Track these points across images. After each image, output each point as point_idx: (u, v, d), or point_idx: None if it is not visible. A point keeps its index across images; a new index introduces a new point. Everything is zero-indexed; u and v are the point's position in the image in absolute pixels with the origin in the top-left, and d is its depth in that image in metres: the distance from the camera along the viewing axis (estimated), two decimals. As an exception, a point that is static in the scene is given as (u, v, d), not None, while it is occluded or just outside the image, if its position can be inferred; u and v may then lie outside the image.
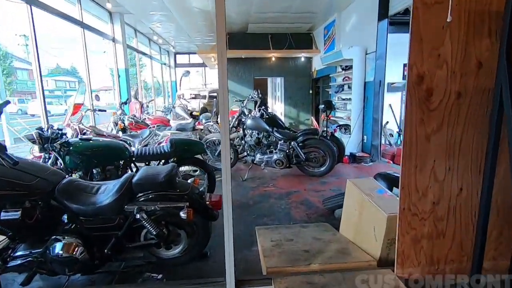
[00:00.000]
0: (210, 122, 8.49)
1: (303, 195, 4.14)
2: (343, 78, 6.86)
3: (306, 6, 7.25)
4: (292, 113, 10.56)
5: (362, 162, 5.93)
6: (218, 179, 5.07)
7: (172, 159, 3.16)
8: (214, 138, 5.38)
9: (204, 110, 10.54)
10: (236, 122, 5.11)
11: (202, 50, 9.54)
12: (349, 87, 6.88)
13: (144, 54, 9.56)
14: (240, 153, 5.42)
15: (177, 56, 13.81)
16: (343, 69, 6.81)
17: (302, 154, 4.78)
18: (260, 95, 6.97)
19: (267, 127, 4.93)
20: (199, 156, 3.64)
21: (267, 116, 5.82)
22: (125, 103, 5.52)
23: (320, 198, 3.94)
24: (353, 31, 6.90)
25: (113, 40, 7.30)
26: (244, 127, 5.09)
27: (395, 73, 6.71)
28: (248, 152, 5.15)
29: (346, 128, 6.87)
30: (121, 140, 4.33)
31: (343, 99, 7.07)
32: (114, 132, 5.33)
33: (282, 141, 4.87)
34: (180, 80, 13.75)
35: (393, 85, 6.96)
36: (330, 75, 7.80)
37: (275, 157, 4.88)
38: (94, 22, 7.30)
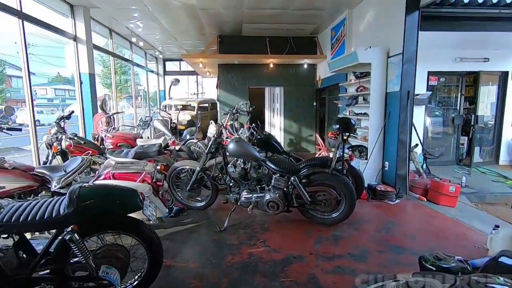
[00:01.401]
0: (193, 139, 7.08)
1: (308, 267, 2.65)
2: (357, 88, 5.47)
3: (310, 0, 5.93)
4: (293, 128, 9.13)
5: (385, 198, 4.44)
6: (186, 225, 3.66)
7: (70, 228, 1.71)
8: (187, 167, 3.93)
9: (191, 123, 9.16)
10: (214, 146, 3.66)
11: (186, 54, 8.21)
12: (365, 99, 5.48)
13: (121, 58, 8.25)
14: (221, 185, 3.96)
15: (167, 63, 12.53)
16: (357, 77, 5.43)
17: (307, 195, 3.32)
18: (250, 108, 5.58)
19: (257, 155, 3.48)
20: (133, 214, 2.17)
21: (259, 137, 4.39)
22: (67, 117, 4.11)
23: (335, 273, 2.47)
24: (370, 30, 5.54)
25: (75, 39, 5.98)
26: (226, 152, 3.64)
27: (416, 81, 5.29)
28: (231, 187, 3.69)
29: (361, 151, 5.42)
30: (33, 175, 2.89)
31: (357, 114, 5.65)
32: (50, 157, 3.89)
33: (278, 174, 3.42)
34: (169, 89, 12.43)
35: (416, 97, 5.53)
36: (340, 84, 6.41)
37: (267, 197, 3.42)
38: (50, 15, 5.98)
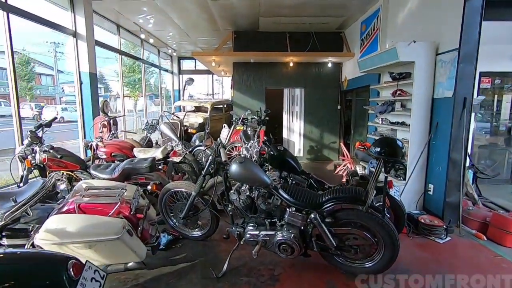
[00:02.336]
0: (201, 146, 6.39)
1: None
2: (394, 92, 4.51)
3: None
4: (314, 134, 8.23)
5: (431, 234, 3.49)
6: (176, 264, 2.93)
7: None
8: (183, 190, 3.20)
9: (203, 127, 8.47)
10: (212, 167, 2.90)
11: (197, 52, 7.52)
12: (403, 106, 4.51)
13: (129, 56, 7.73)
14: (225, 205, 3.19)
15: (182, 61, 11.98)
16: (394, 78, 4.47)
17: (332, 239, 2.48)
18: (263, 115, 4.82)
19: (267, 181, 2.68)
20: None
21: (272, 153, 3.58)
22: (47, 125, 3.50)
23: None
24: (411, 21, 4.56)
25: (75, 34, 5.46)
26: (227, 174, 2.87)
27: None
28: (233, 218, 2.93)
29: (397, 168, 4.45)
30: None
31: (392, 123, 4.68)
32: (25, 171, 3.30)
33: (294, 208, 2.60)
34: (184, 89, 11.87)
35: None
36: (371, 87, 5.45)
37: (279, 236, 2.61)
38: (49, 9, 5.49)
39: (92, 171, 3.39)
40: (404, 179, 4.16)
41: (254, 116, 5.39)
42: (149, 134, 6.82)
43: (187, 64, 12.20)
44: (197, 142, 7.20)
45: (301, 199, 2.60)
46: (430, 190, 4.03)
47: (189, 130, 8.26)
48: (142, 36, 7.32)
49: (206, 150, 6.20)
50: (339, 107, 8.11)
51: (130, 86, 22.92)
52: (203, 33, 8.10)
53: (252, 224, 2.80)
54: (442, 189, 3.79)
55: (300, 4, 5.83)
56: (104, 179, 3.36)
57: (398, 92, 4.46)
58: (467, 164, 3.89)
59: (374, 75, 5.57)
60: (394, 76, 4.46)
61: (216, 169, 2.92)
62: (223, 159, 2.78)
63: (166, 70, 11.66)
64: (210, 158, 2.92)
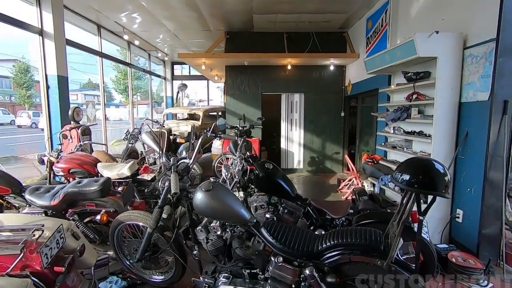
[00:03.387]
0: (185, 158, 5.64)
1: None
2: (409, 96, 3.75)
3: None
4: (315, 143, 7.45)
5: (466, 276, 2.68)
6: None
7: None
8: (140, 224, 2.43)
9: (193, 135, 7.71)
10: (170, 195, 2.13)
11: (185, 53, 6.80)
12: (421, 112, 3.73)
13: (113, 59, 7.06)
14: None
15: (176, 66, 11.34)
16: (409, 79, 3.71)
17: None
18: (242, 128, 4.19)
19: (244, 216, 1.91)
20: None
21: (258, 174, 2.81)
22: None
23: None
24: (429, 11, 3.82)
25: (41, 33, 4.80)
26: (191, 207, 2.10)
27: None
28: (201, 265, 2.15)
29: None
30: None
31: (407, 133, 3.90)
32: None
33: (281, 258, 1.81)
34: (177, 95, 11.23)
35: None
36: (380, 90, 4.68)
37: (261, 297, 1.83)
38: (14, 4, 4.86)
39: (27, 196, 2.64)
40: (426, 202, 3.36)
41: (237, 126, 4.71)
42: (130, 145, 6.10)
43: (181, 70, 11.58)
44: (184, 153, 6.49)
45: (292, 244, 1.82)
46: (458, 217, 3.22)
47: (178, 140, 7.54)
48: (126, 37, 6.67)
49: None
50: (342, 114, 7.35)
51: (126, 93, 22.43)
52: (193, 34, 7.44)
53: (225, 275, 2.02)
54: (476, 217, 2.99)
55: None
56: (41, 206, 2.61)
57: (415, 96, 3.69)
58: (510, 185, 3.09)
59: (383, 77, 4.83)
60: (410, 76, 3.70)
61: (178, 198, 2.15)
62: (173, 190, 2.01)
63: (159, 76, 11.03)
64: (165, 188, 2.16)
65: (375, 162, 4.61)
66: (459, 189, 3.24)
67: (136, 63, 10.18)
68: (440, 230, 3.29)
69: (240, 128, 5.27)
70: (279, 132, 7.63)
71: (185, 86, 10.20)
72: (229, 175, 2.86)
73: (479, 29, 2.97)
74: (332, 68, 7.09)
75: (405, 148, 3.96)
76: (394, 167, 4.04)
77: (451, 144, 3.24)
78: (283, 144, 7.59)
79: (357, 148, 6.81)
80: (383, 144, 4.55)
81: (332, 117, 7.39)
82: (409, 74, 3.70)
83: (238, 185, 2.97)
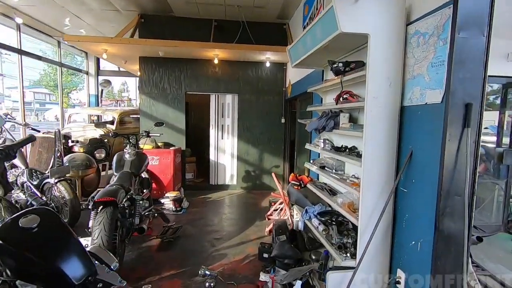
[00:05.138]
0: (49, 178, 4.07)
1: None
2: (337, 96, 2.62)
3: None
4: (251, 155, 6.24)
5: None
6: None
7: None
8: None
9: (96, 143, 6.05)
10: None
11: (73, 35, 5.26)
12: (353, 120, 2.63)
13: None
14: None
15: (102, 61, 9.60)
16: (337, 72, 2.58)
17: None
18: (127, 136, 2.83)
19: None
20: None
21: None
22: None
23: None
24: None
25: None
26: None
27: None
28: None
29: (341, 229, 2.49)
30: None
31: (338, 149, 2.76)
32: None
33: None
34: (101, 93, 9.49)
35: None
36: (308, 89, 3.54)
37: None
38: None
39: None
40: (353, 257, 2.21)
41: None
42: None
43: (108, 64, 9.84)
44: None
45: None
46: (399, 282, 2.10)
47: (77, 149, 5.86)
48: (19, 20, 4.91)
49: (58, 183, 3.95)
50: (283, 120, 6.23)
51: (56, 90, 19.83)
52: (98, 16, 5.90)
53: None
54: (425, 283, 1.87)
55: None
56: None
57: (344, 96, 2.56)
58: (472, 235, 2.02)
59: (317, 73, 3.75)
60: (338, 68, 2.56)
61: None
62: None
63: (78, 70, 9.23)
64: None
65: (302, 185, 3.45)
66: (399, 240, 2.12)
67: (43, 54, 8.33)
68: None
69: (132, 136, 3.90)
70: (208, 140, 6.30)
71: (108, 82, 8.54)
72: None
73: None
74: (269, 65, 5.96)
75: (334, 170, 2.81)
76: (321, 194, 2.89)
77: (389, 169, 2.13)
78: (212, 155, 6.27)
79: (296, 162, 5.70)
80: (311, 161, 3.40)
81: (272, 123, 6.24)
82: (336, 65, 2.56)
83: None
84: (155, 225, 4.08)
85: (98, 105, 9.33)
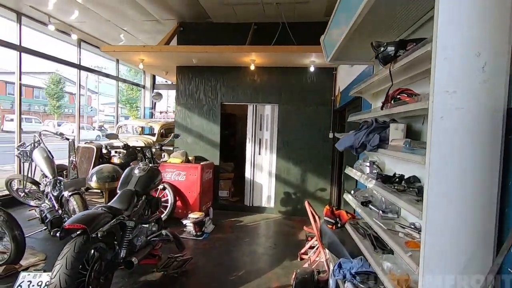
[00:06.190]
0: (70, 190, 3.86)
1: None
2: (387, 98, 1.67)
3: None
4: (292, 175, 5.37)
5: None
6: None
7: None
8: None
9: (134, 154, 5.96)
10: None
11: (110, 45, 5.23)
12: (412, 133, 1.63)
13: (39, 55, 5.67)
14: None
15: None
16: (385, 59, 1.66)
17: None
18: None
19: None
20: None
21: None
22: None
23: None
24: None
25: None
26: None
27: None
28: None
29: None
30: None
31: (386, 180, 1.78)
32: None
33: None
34: (154, 106, 9.82)
35: None
36: (350, 93, 2.59)
37: None
38: None
39: None
40: None
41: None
42: (22, 165, 4.58)
43: (162, 78, 10.19)
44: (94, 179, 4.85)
45: None
46: None
47: (116, 160, 5.86)
48: (51, 28, 5.33)
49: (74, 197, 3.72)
50: (331, 135, 5.23)
51: (129, 105, 21.90)
52: (139, 27, 5.92)
53: None
54: None
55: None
56: None
57: (397, 95, 1.60)
58: None
59: (367, 72, 2.77)
60: (385, 52, 1.62)
61: None
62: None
63: (137, 85, 9.74)
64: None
65: (339, 224, 2.48)
66: None
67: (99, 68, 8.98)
68: None
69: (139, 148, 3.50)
70: (244, 156, 5.65)
71: (159, 95, 8.74)
72: None
73: None
74: (314, 70, 5.09)
75: (382, 211, 1.82)
76: (361, 244, 1.91)
77: (482, 228, 1.10)
78: (248, 173, 5.58)
79: (343, 186, 4.62)
80: (353, 192, 2.41)
81: (317, 138, 5.30)
82: (383, 48, 1.62)
83: None
84: (172, 251, 3.45)
85: (151, 117, 9.66)
